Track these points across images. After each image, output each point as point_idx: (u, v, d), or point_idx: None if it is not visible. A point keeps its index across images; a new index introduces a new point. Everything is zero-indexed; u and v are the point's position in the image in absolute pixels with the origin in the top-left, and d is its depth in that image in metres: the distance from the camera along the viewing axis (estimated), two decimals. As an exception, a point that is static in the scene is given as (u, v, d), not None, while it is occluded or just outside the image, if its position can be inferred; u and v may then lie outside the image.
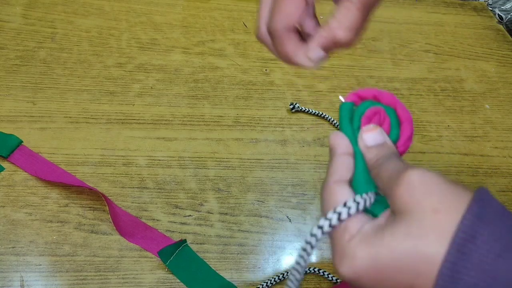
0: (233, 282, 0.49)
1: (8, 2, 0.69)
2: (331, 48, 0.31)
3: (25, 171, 0.53)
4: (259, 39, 0.33)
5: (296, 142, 0.62)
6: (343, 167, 0.28)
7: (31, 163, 0.54)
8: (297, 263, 0.28)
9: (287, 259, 0.52)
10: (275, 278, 0.50)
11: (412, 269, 0.22)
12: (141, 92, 0.63)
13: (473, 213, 0.22)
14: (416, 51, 0.78)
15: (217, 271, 0.50)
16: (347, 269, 0.24)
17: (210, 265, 0.50)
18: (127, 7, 0.72)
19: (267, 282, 0.50)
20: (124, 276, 0.48)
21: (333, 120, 0.65)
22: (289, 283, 0.29)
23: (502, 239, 0.21)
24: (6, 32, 0.66)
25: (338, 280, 0.50)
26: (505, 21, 0.90)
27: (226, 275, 0.50)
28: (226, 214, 0.54)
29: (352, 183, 0.28)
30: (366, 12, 0.29)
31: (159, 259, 0.49)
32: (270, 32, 0.31)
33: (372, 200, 0.27)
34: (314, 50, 0.31)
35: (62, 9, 0.70)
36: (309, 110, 0.65)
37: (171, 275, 0.49)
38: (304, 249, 0.27)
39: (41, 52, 0.64)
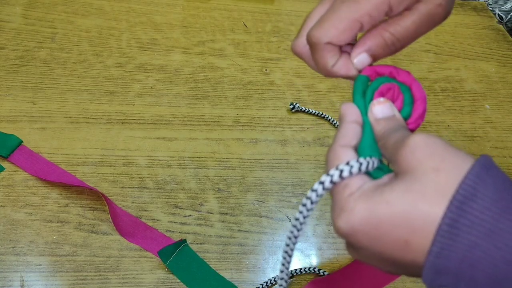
0: (233, 282, 0.49)
1: (8, 2, 0.69)
2: (377, 52, 0.30)
3: (25, 171, 0.53)
4: (295, 50, 0.33)
5: (296, 142, 0.62)
6: (351, 133, 0.28)
7: (31, 163, 0.54)
8: (296, 218, 0.28)
9: (287, 259, 0.52)
10: (274, 278, 0.50)
11: (409, 225, 0.22)
12: (141, 92, 0.63)
13: (475, 174, 0.22)
14: (416, 51, 0.78)
15: (217, 271, 0.50)
16: (344, 223, 0.24)
17: (210, 265, 0.50)
18: (127, 7, 0.72)
19: (267, 282, 0.50)
20: (124, 276, 0.48)
21: (333, 120, 0.65)
22: (287, 241, 0.29)
23: (502, 200, 0.21)
24: (6, 32, 0.66)
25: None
26: (505, 21, 0.90)
27: (226, 275, 0.50)
28: (226, 214, 0.54)
29: (358, 150, 0.28)
30: (422, 28, 0.29)
31: (159, 259, 0.49)
32: (312, 43, 0.30)
33: (375, 165, 0.27)
34: (358, 54, 0.30)
35: (62, 9, 0.70)
36: (309, 110, 0.65)
37: (171, 275, 0.49)
38: (304, 204, 0.27)
39: (41, 52, 0.64)
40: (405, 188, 0.23)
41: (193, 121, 0.61)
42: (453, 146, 0.24)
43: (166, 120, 0.61)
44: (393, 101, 0.30)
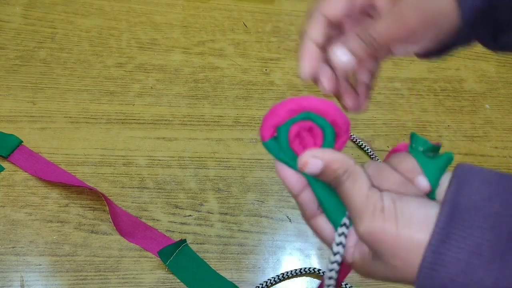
0: (233, 282, 0.49)
1: (8, 2, 0.69)
2: (355, 49, 0.30)
3: (25, 171, 0.53)
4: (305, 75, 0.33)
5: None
6: (307, 203, 0.28)
7: (31, 163, 0.54)
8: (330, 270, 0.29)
9: (287, 259, 0.52)
10: (274, 278, 0.50)
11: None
12: (141, 92, 0.63)
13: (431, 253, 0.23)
14: (416, 51, 0.78)
15: (217, 271, 0.50)
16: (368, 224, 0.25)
17: (210, 265, 0.50)
18: (127, 7, 0.72)
19: (266, 282, 0.50)
20: (124, 276, 0.48)
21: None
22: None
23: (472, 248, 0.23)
24: (6, 32, 0.66)
25: None
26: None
27: (226, 275, 0.50)
28: (226, 214, 0.54)
29: (326, 213, 0.28)
30: (397, 32, 0.29)
31: (159, 259, 0.49)
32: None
33: (348, 221, 0.27)
34: (338, 48, 0.30)
35: (62, 9, 0.70)
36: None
37: (171, 275, 0.49)
38: (330, 277, 0.29)
39: (41, 52, 0.64)
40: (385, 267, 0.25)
41: (193, 121, 0.61)
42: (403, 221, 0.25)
43: (166, 120, 0.61)
44: (313, 139, 0.28)
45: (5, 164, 0.54)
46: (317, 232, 0.29)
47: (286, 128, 0.28)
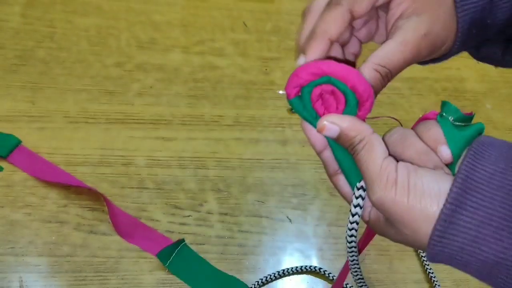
0: (233, 283, 0.49)
1: (7, 2, 0.69)
2: (375, 84, 0.30)
3: (24, 171, 0.53)
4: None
5: (297, 142, 0.61)
6: (328, 162, 0.30)
7: (30, 163, 0.54)
8: (354, 214, 0.29)
9: (288, 260, 0.52)
10: (272, 275, 0.50)
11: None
12: (141, 91, 0.63)
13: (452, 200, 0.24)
14: (417, 51, 0.78)
15: (217, 272, 0.50)
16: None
17: (210, 266, 0.50)
18: (126, 6, 0.72)
19: (258, 281, 0.50)
20: (123, 276, 0.48)
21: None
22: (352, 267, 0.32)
23: (485, 208, 0.24)
24: (5, 32, 0.65)
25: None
26: (506, 20, 0.90)
27: (226, 276, 0.50)
28: (226, 214, 0.54)
29: (345, 176, 0.30)
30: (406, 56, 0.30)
31: (158, 259, 0.49)
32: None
33: (364, 185, 0.28)
34: None
35: (61, 8, 0.69)
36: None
37: (170, 276, 0.49)
38: (351, 236, 0.29)
39: (40, 51, 0.64)
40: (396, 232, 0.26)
41: (193, 121, 0.61)
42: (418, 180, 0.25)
43: (165, 120, 0.60)
44: (336, 102, 0.28)
45: (4, 164, 0.54)
46: (338, 189, 0.30)
47: (308, 89, 0.28)
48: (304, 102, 0.29)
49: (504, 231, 0.23)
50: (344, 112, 0.29)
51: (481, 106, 0.71)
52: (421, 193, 0.25)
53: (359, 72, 0.28)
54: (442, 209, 0.24)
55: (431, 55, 0.32)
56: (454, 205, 0.24)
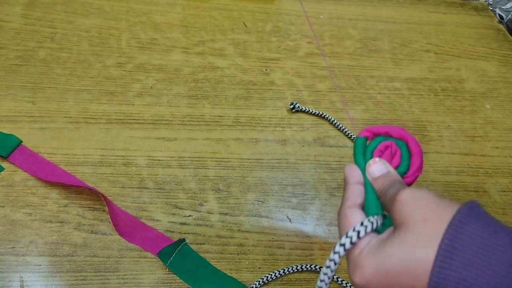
0: (233, 283, 0.49)
1: (8, 2, 0.69)
2: None
3: (25, 171, 0.53)
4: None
5: (296, 142, 0.62)
6: (355, 193, 0.32)
7: (31, 163, 0.54)
8: (322, 280, 0.31)
9: (288, 260, 0.52)
10: (272, 274, 0.50)
11: (410, 272, 0.26)
12: (141, 92, 0.63)
13: (458, 219, 0.25)
14: (417, 51, 0.78)
15: (217, 272, 0.50)
16: (359, 278, 0.28)
17: (210, 266, 0.50)
18: (127, 6, 0.72)
19: (258, 281, 0.50)
20: (124, 276, 0.48)
21: (333, 120, 0.64)
22: None
23: (485, 234, 0.25)
24: (5, 32, 0.65)
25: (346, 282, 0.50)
26: (505, 21, 0.90)
27: (226, 276, 0.50)
28: (226, 214, 0.54)
29: (365, 208, 0.32)
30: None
31: (159, 259, 0.49)
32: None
33: (381, 221, 0.30)
34: None
35: (62, 8, 0.70)
36: (309, 110, 0.65)
37: (171, 275, 0.49)
38: (328, 266, 0.30)
39: (41, 52, 0.64)
40: (401, 241, 0.26)
41: (193, 121, 0.61)
42: (440, 196, 0.27)
43: (166, 120, 0.61)
44: (392, 157, 0.34)
45: (4, 164, 0.54)
46: (344, 221, 0.31)
47: (380, 140, 0.35)
48: (370, 146, 0.34)
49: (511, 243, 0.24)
50: (397, 169, 0.33)
51: (481, 106, 0.71)
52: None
53: (420, 148, 0.34)
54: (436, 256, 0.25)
55: None
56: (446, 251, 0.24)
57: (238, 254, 0.51)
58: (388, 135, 0.35)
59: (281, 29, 0.74)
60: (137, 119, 0.60)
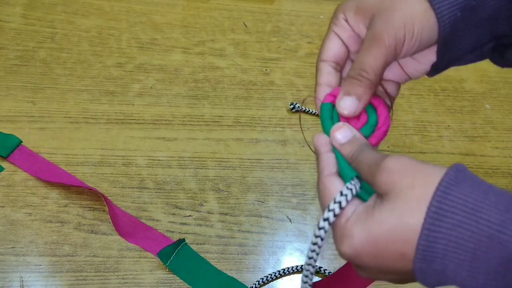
0: (233, 283, 0.49)
1: (8, 2, 0.69)
2: (355, 90, 0.32)
3: (25, 171, 0.53)
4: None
5: (296, 142, 0.62)
6: (330, 162, 0.31)
7: (31, 163, 0.54)
8: (310, 257, 0.30)
9: (288, 259, 0.52)
10: (272, 274, 0.50)
11: (400, 238, 0.26)
12: (141, 92, 0.63)
13: (443, 186, 0.25)
14: (417, 51, 0.78)
15: (217, 272, 0.50)
16: (347, 247, 0.27)
17: (210, 266, 0.50)
18: (127, 7, 0.72)
19: (258, 281, 0.50)
20: (124, 276, 0.48)
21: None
22: (303, 278, 0.31)
23: (476, 189, 0.25)
24: (6, 32, 0.65)
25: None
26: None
27: (226, 276, 0.50)
28: (226, 214, 0.54)
29: (340, 175, 0.31)
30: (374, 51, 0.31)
31: (159, 259, 0.49)
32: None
33: (359, 184, 0.29)
34: (341, 100, 0.32)
35: (62, 9, 0.70)
36: (309, 110, 0.65)
37: (171, 275, 0.49)
38: (315, 243, 0.29)
39: (41, 52, 0.64)
40: (390, 208, 0.26)
41: (193, 121, 0.61)
42: (423, 162, 0.27)
43: (166, 120, 0.61)
44: (358, 117, 0.33)
45: (4, 164, 0.54)
46: (325, 191, 0.30)
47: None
48: (336, 112, 0.33)
49: (501, 204, 0.24)
50: (362, 128, 0.32)
51: (481, 106, 0.71)
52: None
53: (383, 100, 0.33)
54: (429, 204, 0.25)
55: (414, 47, 0.32)
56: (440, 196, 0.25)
57: (238, 254, 0.51)
58: None
59: (281, 29, 0.74)
60: (137, 119, 0.60)
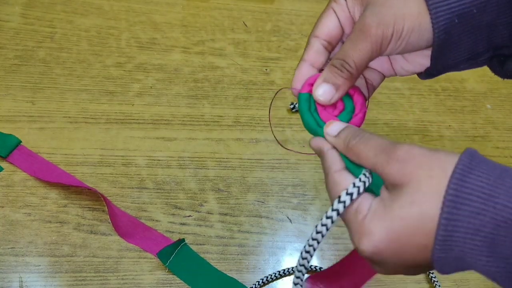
0: (233, 283, 0.49)
1: (7, 2, 0.69)
2: (333, 78, 0.32)
3: (24, 171, 0.53)
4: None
5: (297, 142, 0.61)
6: (336, 158, 0.31)
7: (30, 163, 0.54)
8: (310, 245, 0.30)
9: (288, 260, 0.52)
10: (272, 275, 0.50)
11: (422, 230, 0.25)
12: (141, 92, 0.63)
13: (462, 166, 0.25)
14: (417, 51, 0.78)
15: (217, 272, 0.50)
16: (367, 245, 0.27)
17: (210, 266, 0.50)
18: (127, 6, 0.72)
19: (258, 281, 0.50)
20: (123, 277, 0.48)
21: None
22: (294, 279, 0.31)
23: (493, 172, 0.25)
24: (5, 32, 0.65)
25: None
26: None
27: (226, 276, 0.49)
28: (226, 214, 0.54)
29: (348, 170, 0.31)
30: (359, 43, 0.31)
31: (158, 259, 0.49)
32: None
33: (371, 178, 0.29)
34: (318, 86, 0.32)
35: (61, 8, 0.69)
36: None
37: (170, 276, 0.49)
38: (319, 232, 0.29)
39: (40, 51, 0.64)
40: (410, 201, 0.26)
41: (193, 121, 0.61)
42: (433, 149, 0.27)
43: (165, 120, 0.60)
44: (335, 107, 0.33)
45: (4, 164, 0.54)
46: (335, 186, 0.30)
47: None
48: (313, 100, 0.33)
49: None
50: (339, 116, 0.33)
51: (481, 106, 0.71)
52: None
53: (359, 88, 0.33)
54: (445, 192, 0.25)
55: (400, 47, 0.31)
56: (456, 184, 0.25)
57: (238, 254, 0.51)
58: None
59: (281, 28, 0.74)
60: (137, 119, 0.60)
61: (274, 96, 0.65)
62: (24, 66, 0.62)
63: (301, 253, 0.30)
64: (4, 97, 0.59)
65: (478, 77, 0.74)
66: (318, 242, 0.29)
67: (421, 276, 0.53)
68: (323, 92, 0.32)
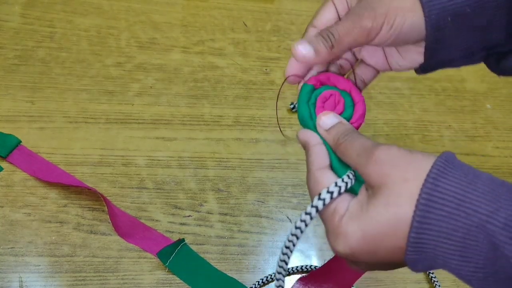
0: (233, 283, 0.49)
1: (7, 1, 0.69)
2: (316, 45, 0.32)
3: (24, 171, 0.53)
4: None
5: (296, 142, 0.61)
6: (320, 155, 0.31)
7: (30, 163, 0.54)
8: (290, 241, 0.30)
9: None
10: (269, 276, 0.50)
11: (396, 233, 0.26)
12: (141, 91, 0.63)
13: (431, 178, 0.25)
14: (417, 51, 0.78)
15: (217, 272, 0.50)
16: (342, 246, 0.27)
17: (210, 266, 0.50)
18: (127, 6, 0.71)
19: (258, 281, 0.50)
20: (123, 276, 0.48)
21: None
22: (282, 256, 0.31)
23: (466, 177, 0.25)
24: (4, 32, 0.65)
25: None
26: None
27: (226, 276, 0.49)
28: (226, 214, 0.54)
29: (333, 169, 0.31)
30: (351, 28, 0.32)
31: (158, 259, 0.49)
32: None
33: (354, 179, 0.29)
34: (299, 43, 0.32)
35: (61, 8, 0.69)
36: (309, 110, 0.65)
37: (170, 276, 0.49)
38: (298, 227, 0.29)
39: (40, 51, 0.64)
40: (385, 203, 0.26)
41: (193, 121, 0.61)
42: (412, 151, 0.27)
43: (165, 120, 0.60)
44: (335, 105, 0.33)
45: (3, 164, 0.53)
46: (315, 185, 0.30)
47: (325, 88, 0.34)
48: (315, 93, 0.34)
49: (489, 193, 0.24)
50: (342, 115, 0.33)
51: (481, 106, 0.71)
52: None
53: (359, 90, 0.34)
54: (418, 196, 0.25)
55: (389, 39, 0.31)
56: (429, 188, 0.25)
57: (238, 254, 0.51)
58: (332, 84, 0.35)
59: (281, 28, 0.74)
60: (137, 119, 0.60)
61: (280, 88, 0.65)
62: (23, 66, 0.62)
63: (281, 249, 0.31)
64: (3, 97, 0.59)
65: (478, 77, 0.74)
66: (298, 238, 0.29)
67: (421, 276, 0.53)
68: (303, 48, 0.31)
